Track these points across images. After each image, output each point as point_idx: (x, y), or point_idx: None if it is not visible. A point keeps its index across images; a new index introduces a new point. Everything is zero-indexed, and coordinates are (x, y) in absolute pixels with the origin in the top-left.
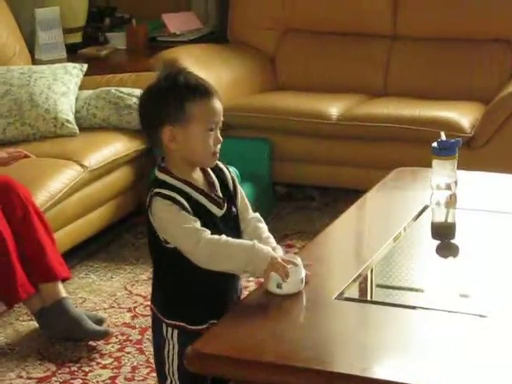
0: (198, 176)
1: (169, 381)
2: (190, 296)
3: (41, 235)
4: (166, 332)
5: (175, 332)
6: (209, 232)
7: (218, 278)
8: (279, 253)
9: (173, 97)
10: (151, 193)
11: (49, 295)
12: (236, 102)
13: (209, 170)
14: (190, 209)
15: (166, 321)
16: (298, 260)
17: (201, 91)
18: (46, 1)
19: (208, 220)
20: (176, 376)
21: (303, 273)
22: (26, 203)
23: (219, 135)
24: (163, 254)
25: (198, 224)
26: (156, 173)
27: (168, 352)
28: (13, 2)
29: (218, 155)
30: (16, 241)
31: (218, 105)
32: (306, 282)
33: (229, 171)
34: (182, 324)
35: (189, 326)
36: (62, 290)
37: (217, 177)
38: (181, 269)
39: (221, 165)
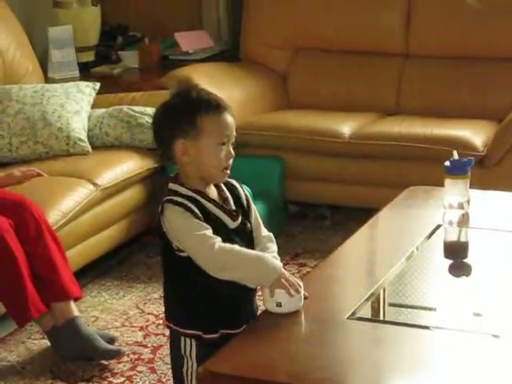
0: (211, 190)
1: None
2: (203, 304)
3: (54, 254)
4: (185, 349)
5: (193, 348)
6: (220, 239)
7: (231, 286)
8: None
9: (185, 111)
10: (163, 200)
11: (61, 314)
12: (248, 121)
13: (222, 186)
14: (201, 216)
15: (183, 331)
16: (300, 282)
17: (212, 105)
18: (59, 19)
19: (220, 231)
20: None
21: (301, 294)
22: (40, 222)
23: (231, 150)
24: (177, 262)
25: (209, 231)
26: (169, 184)
27: (187, 370)
28: (26, 21)
29: (229, 170)
30: (29, 259)
31: (230, 119)
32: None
33: (242, 188)
34: (198, 333)
35: (204, 335)
36: (74, 309)
37: (230, 192)
38: (193, 277)
39: (234, 182)
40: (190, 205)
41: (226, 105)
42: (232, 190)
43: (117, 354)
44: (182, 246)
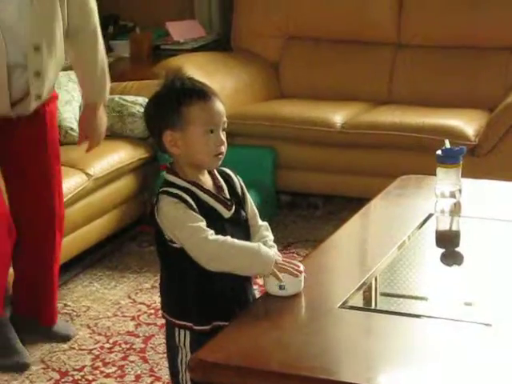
0: (205, 179)
1: None
2: (195, 295)
3: None
4: (179, 339)
5: (187, 338)
6: (213, 232)
7: (223, 279)
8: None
9: (169, 102)
10: (158, 191)
11: None
12: (240, 110)
13: (217, 174)
14: (196, 208)
15: (175, 321)
16: (298, 263)
17: (197, 93)
18: None
19: (215, 221)
20: None
21: (302, 276)
22: None
23: (222, 136)
24: (169, 253)
25: (203, 224)
26: (164, 175)
27: (181, 360)
28: None
29: (221, 157)
30: None
31: (216, 106)
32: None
33: (237, 177)
34: (188, 324)
35: (195, 326)
36: None
37: (225, 182)
38: (186, 268)
39: (228, 171)
40: (184, 196)
41: (212, 91)
42: (226, 179)
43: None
44: (174, 237)
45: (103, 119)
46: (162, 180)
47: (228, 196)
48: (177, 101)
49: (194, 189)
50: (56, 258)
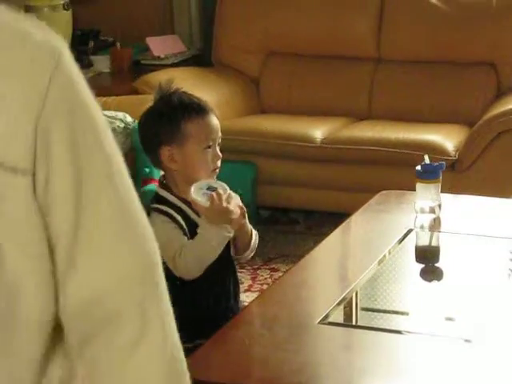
0: None
1: None
2: (178, 313)
3: None
4: None
5: None
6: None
7: (208, 298)
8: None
9: (168, 117)
10: (151, 207)
11: None
12: (220, 126)
13: None
14: (185, 227)
15: None
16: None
17: (195, 109)
18: None
19: None
20: None
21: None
22: None
23: (218, 151)
24: None
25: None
26: (156, 189)
27: None
28: None
29: (217, 171)
30: None
31: (214, 121)
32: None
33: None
34: None
35: None
36: None
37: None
38: (170, 286)
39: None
40: (175, 215)
41: (209, 107)
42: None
43: None
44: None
45: None
46: (153, 194)
47: None
48: (176, 117)
49: (184, 207)
50: None
